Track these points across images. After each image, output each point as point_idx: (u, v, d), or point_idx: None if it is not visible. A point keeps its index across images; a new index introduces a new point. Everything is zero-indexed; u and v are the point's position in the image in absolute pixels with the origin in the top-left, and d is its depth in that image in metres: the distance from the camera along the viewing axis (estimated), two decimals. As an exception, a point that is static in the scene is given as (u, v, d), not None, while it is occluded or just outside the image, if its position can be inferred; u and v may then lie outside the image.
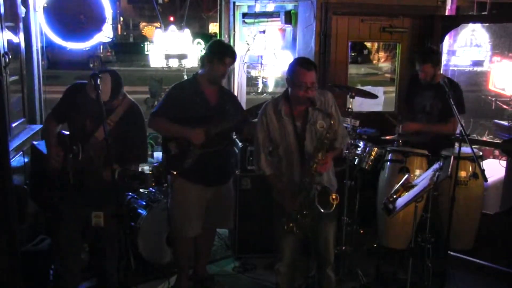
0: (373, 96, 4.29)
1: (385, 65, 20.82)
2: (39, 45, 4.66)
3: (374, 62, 22.11)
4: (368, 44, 20.56)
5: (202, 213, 3.66)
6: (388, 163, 3.92)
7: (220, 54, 3.51)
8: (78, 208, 3.16)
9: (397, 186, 3.27)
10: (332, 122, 2.97)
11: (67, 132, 3.25)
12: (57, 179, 3.15)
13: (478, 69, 7.91)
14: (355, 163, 4.03)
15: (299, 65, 3.01)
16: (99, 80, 2.82)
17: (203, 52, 3.68)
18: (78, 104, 3.12)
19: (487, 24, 6.97)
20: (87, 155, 3.09)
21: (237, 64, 5.29)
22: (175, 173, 3.52)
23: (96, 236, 3.33)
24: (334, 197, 2.90)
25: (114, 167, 2.85)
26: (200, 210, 3.64)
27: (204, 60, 3.61)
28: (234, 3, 5.16)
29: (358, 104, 4.76)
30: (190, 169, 3.51)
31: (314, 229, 3.14)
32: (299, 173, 3.06)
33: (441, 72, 4.73)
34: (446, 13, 5.02)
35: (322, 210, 2.89)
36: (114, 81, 3.07)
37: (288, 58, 5.04)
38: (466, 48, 7.18)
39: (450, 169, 3.56)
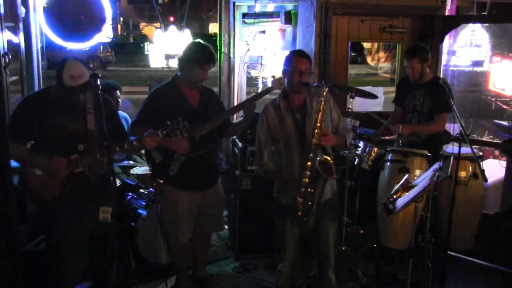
0: (373, 96, 4.29)
1: (385, 65, 20.78)
2: (39, 45, 4.67)
3: (373, 62, 22.05)
4: (368, 44, 20.53)
5: (192, 219, 3.63)
6: (388, 163, 3.91)
7: (201, 60, 3.40)
8: (86, 207, 3.10)
9: (397, 186, 3.26)
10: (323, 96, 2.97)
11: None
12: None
13: (478, 69, 7.88)
14: (355, 163, 4.03)
15: (293, 54, 3.20)
16: (77, 68, 2.84)
17: (182, 54, 3.53)
18: (49, 115, 2.99)
19: (487, 24, 6.96)
20: (96, 147, 3.03)
21: (237, 64, 5.30)
22: (161, 181, 3.49)
23: (104, 234, 3.25)
24: (329, 159, 2.88)
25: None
26: (190, 217, 3.61)
27: (183, 63, 3.49)
28: (234, 3, 5.16)
29: (358, 104, 4.75)
30: (177, 176, 3.46)
31: (315, 229, 3.14)
32: (298, 164, 3.05)
33: (441, 72, 4.74)
34: (446, 13, 5.03)
35: (326, 176, 2.87)
36: (82, 62, 2.97)
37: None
38: (466, 48, 7.16)
39: (450, 169, 3.56)
